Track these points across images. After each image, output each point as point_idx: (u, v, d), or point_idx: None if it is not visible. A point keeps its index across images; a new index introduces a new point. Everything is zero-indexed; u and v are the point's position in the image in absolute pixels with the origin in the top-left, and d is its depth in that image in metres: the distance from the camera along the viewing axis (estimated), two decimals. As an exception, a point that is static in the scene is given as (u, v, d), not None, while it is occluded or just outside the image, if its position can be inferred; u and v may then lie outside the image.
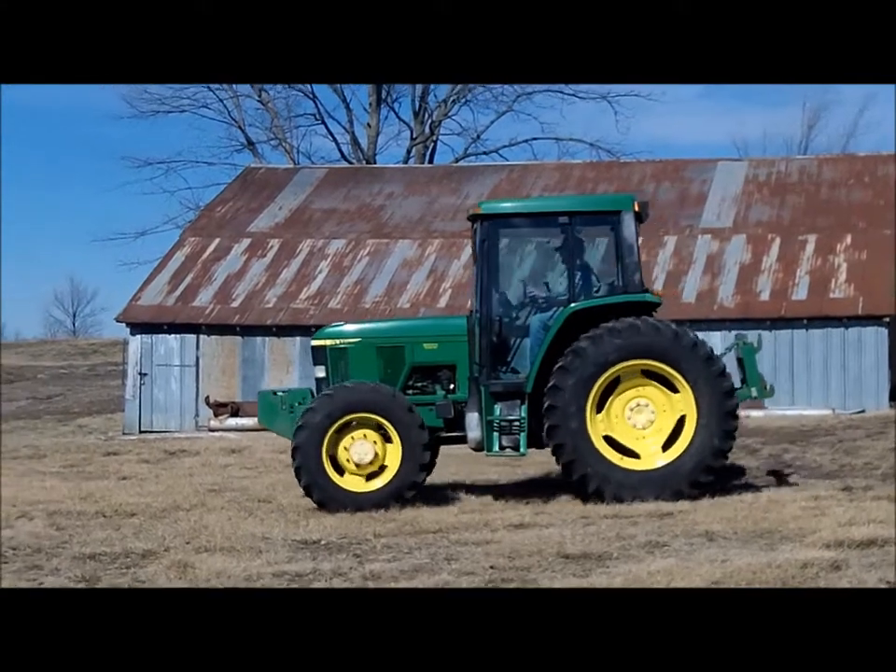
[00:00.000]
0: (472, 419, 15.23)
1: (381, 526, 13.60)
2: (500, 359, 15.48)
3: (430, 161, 53.22)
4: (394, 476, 15.05)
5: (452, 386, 15.75)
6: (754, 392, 15.96)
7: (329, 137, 54.81)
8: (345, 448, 15.09)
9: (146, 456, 24.52)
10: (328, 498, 14.94)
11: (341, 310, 32.35)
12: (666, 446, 15.06)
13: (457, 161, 52.82)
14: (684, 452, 14.92)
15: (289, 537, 12.98)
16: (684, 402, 14.96)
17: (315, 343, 16.31)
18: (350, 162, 51.96)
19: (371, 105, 53.99)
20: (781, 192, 35.01)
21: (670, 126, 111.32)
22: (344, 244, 35.41)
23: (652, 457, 15.04)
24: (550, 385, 14.86)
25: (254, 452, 24.18)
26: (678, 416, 15.02)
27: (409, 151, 54.34)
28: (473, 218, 15.75)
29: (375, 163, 50.45)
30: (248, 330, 33.06)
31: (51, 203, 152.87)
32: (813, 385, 30.03)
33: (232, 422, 30.79)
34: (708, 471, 15.01)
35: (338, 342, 16.01)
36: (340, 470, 15.15)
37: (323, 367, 15.99)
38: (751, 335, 18.70)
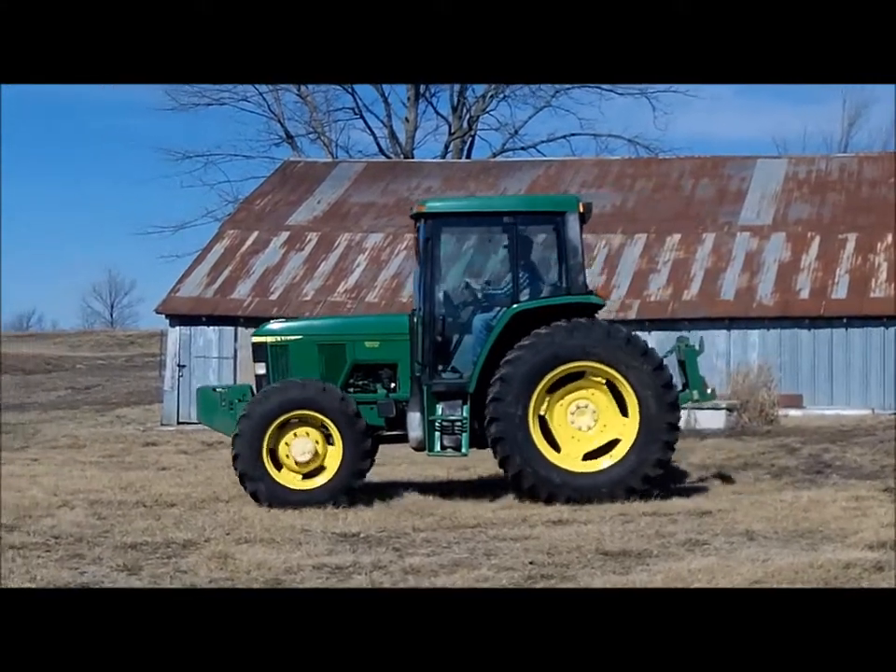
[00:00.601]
0: (414, 419, 15.09)
1: (420, 521, 13.59)
2: (443, 359, 15.29)
3: (468, 156, 53.15)
4: (332, 477, 14.89)
5: (393, 385, 15.57)
6: (696, 395, 15.85)
7: (368, 131, 54.84)
8: (286, 444, 14.92)
9: (184, 447, 24.65)
10: (261, 491, 14.79)
11: (378, 303, 32.40)
12: (611, 447, 14.98)
13: (495, 156, 52.73)
14: (624, 458, 14.85)
15: (329, 529, 13.00)
16: (624, 401, 14.91)
17: (255, 339, 16.08)
18: (388, 157, 51.94)
19: (409, 99, 53.97)
20: (821, 190, 34.81)
21: (709, 123, 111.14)
22: (382, 237, 35.40)
23: (598, 458, 15.00)
24: (493, 382, 14.75)
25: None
26: (620, 416, 14.98)
27: (447, 146, 54.29)
28: (417, 217, 15.57)
29: (413, 158, 50.43)
30: (286, 323, 33.03)
31: (91, 194, 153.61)
32: (852, 385, 29.83)
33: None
34: (658, 465, 14.95)
35: (279, 338, 15.81)
36: (279, 466, 15.02)
37: (263, 364, 15.73)
38: (693, 337, 18.25)
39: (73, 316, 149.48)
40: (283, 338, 15.77)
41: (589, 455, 14.99)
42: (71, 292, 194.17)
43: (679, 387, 15.66)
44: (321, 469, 14.96)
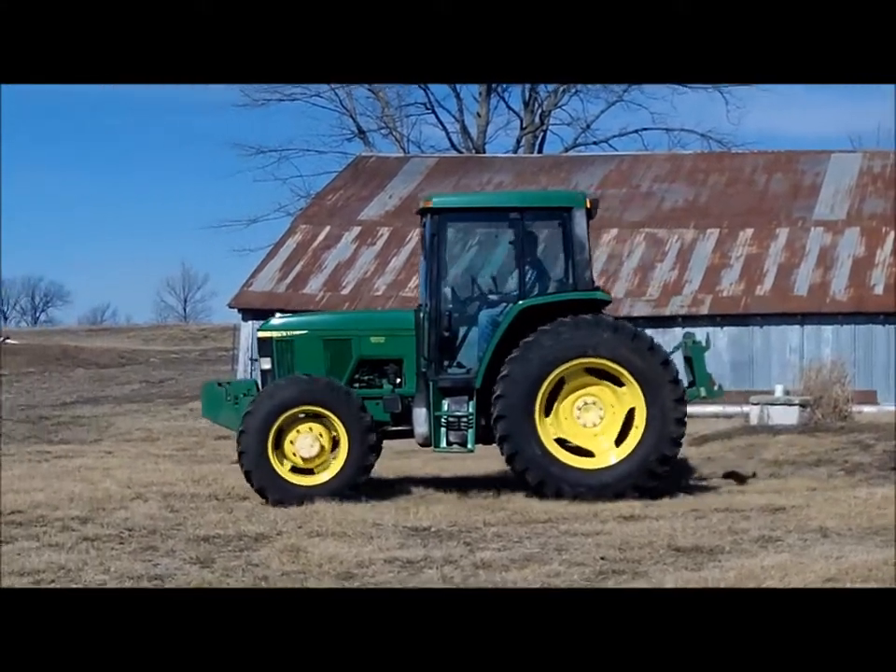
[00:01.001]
0: (420, 415, 15.02)
1: (490, 515, 13.56)
2: (448, 355, 15.21)
3: (540, 151, 52.97)
4: (337, 473, 14.78)
5: (399, 381, 15.43)
6: (703, 391, 15.64)
7: (439, 126, 54.79)
8: (292, 440, 14.82)
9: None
10: (267, 488, 14.71)
11: (449, 298, 32.32)
12: (618, 442, 14.86)
13: (567, 150, 52.50)
14: (631, 453, 14.72)
15: (400, 523, 13.00)
16: (631, 397, 14.76)
17: (260, 334, 16.04)
18: (460, 152, 51.88)
19: (480, 94, 53.87)
20: (897, 185, 34.42)
21: (782, 117, 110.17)
22: (454, 232, 35.33)
23: (605, 454, 14.86)
24: (499, 379, 14.64)
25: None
26: (627, 412, 14.85)
27: (518, 141, 54.17)
28: (423, 212, 15.47)
29: (485, 153, 50.33)
30: (358, 318, 33.15)
31: (164, 189, 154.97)
32: (927, 381, 29.50)
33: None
34: (664, 461, 14.83)
35: (284, 334, 15.71)
36: (285, 462, 14.96)
37: (269, 359, 15.64)
38: (700, 334, 17.94)
39: (146, 311, 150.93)
40: (288, 333, 15.68)
41: (597, 452, 14.88)
42: (145, 287, 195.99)
43: (686, 384, 15.46)
44: (327, 464, 14.90)
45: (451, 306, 15.16)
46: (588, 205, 15.26)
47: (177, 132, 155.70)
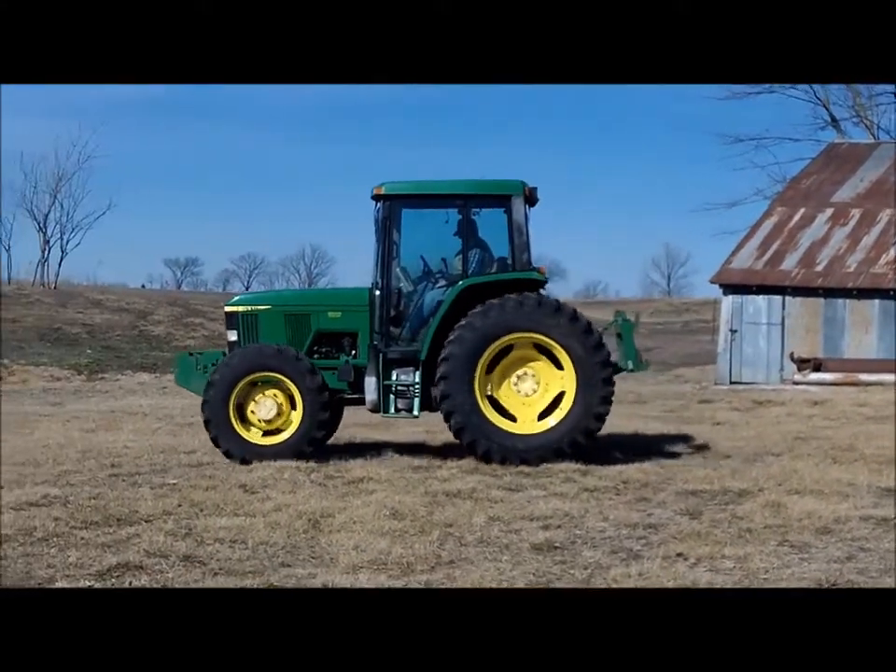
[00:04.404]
0: (370, 383, 14.83)
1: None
2: (398, 329, 15.07)
3: None
4: (295, 431, 14.71)
5: (354, 353, 15.36)
6: (630, 364, 15.37)
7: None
8: (252, 411, 14.81)
9: (736, 405, 24.51)
10: (233, 449, 14.64)
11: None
12: (548, 412, 14.56)
13: None
14: (565, 416, 14.40)
15: (873, 484, 12.60)
16: (566, 374, 14.45)
17: (228, 309, 15.93)
18: (929, 136, 49.27)
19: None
20: None
21: None
22: (923, 213, 33.82)
23: (534, 422, 14.54)
24: (442, 355, 14.50)
25: (836, 404, 23.60)
26: (559, 385, 14.54)
27: None
28: (376, 198, 15.05)
29: (954, 136, 47.57)
30: (830, 293, 32.55)
31: (649, 172, 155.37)
32: None
33: (815, 376, 30.16)
34: (587, 434, 14.44)
35: (249, 308, 15.65)
36: (248, 425, 14.87)
37: (235, 331, 15.63)
38: (630, 313, 16.93)
39: (633, 286, 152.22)
40: (253, 308, 15.67)
41: (524, 419, 14.59)
42: (633, 264, 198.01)
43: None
44: (286, 425, 14.82)
45: (400, 285, 15.05)
46: (526, 193, 14.91)
47: (666, 120, 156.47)
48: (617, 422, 19.92)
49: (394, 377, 14.87)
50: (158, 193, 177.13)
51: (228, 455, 14.71)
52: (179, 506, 11.11)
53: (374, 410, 14.98)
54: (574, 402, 14.40)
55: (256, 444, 14.70)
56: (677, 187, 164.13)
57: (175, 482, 12.79)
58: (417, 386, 14.75)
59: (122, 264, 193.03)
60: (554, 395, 14.60)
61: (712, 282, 34.66)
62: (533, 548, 9.41)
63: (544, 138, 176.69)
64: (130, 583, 8.24)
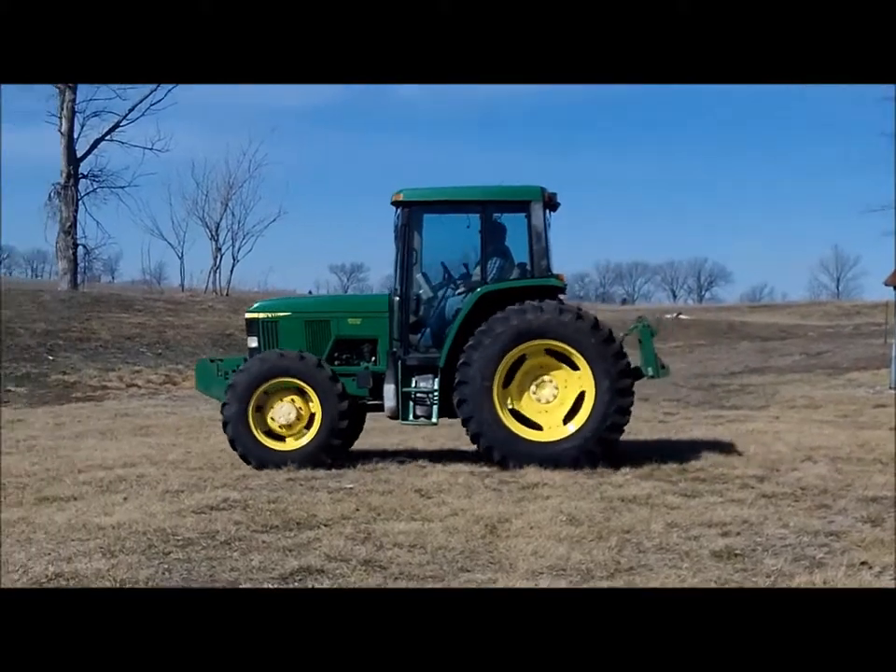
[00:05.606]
0: (389, 390, 14.70)
1: None
2: (417, 336, 14.89)
3: None
4: (313, 437, 14.54)
5: (374, 359, 15.22)
6: (650, 371, 14.94)
7: None
8: (272, 417, 14.67)
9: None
10: (250, 453, 14.54)
11: None
12: (569, 418, 14.37)
13: None
14: (583, 425, 14.21)
15: None
16: (584, 379, 14.27)
17: (248, 315, 15.69)
18: None
19: None
20: None
21: None
22: None
23: (554, 429, 14.35)
24: (461, 361, 14.33)
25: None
26: (578, 392, 14.34)
27: None
28: (396, 204, 14.76)
29: None
30: None
31: (817, 174, 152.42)
32: None
33: None
34: (603, 443, 14.19)
35: (269, 315, 15.49)
36: (269, 431, 14.73)
37: (255, 338, 15.48)
38: (651, 318, 16.19)
39: (800, 288, 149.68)
40: (273, 314, 15.49)
41: (547, 426, 14.42)
42: (799, 266, 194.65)
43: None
44: (305, 431, 14.67)
45: (420, 291, 14.86)
46: (546, 199, 14.64)
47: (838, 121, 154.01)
48: (789, 426, 19.59)
49: (413, 384, 14.83)
50: (327, 200, 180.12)
51: (244, 458, 14.69)
52: (357, 510, 11.25)
53: (393, 417, 14.95)
54: (593, 410, 14.23)
55: (273, 449, 14.63)
56: (849, 187, 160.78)
57: (351, 486, 12.94)
58: (436, 393, 14.71)
59: (291, 270, 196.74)
60: (573, 400, 14.45)
61: (886, 284, 33.76)
62: (713, 555, 9.28)
63: (710, 144, 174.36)
64: (312, 587, 8.34)
